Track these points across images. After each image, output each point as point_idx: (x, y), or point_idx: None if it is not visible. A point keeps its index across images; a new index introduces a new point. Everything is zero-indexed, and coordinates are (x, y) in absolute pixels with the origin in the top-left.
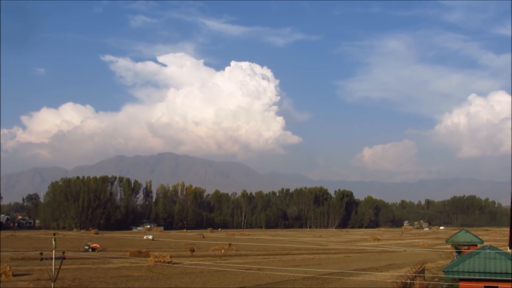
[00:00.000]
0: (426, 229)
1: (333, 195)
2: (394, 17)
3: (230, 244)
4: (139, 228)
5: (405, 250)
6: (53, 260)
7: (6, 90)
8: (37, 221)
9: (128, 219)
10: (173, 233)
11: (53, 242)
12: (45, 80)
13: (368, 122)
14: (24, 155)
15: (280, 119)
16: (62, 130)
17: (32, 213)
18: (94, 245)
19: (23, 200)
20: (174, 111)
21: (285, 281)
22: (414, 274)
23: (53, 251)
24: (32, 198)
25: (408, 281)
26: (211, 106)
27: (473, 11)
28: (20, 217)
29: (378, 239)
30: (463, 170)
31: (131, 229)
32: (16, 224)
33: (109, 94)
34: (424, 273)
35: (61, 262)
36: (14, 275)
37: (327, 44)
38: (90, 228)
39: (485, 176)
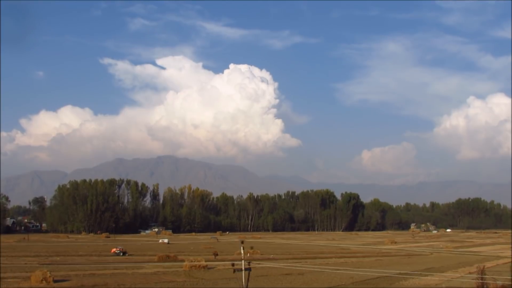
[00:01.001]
0: (435, 231)
1: (338, 197)
2: (393, 19)
3: (252, 248)
4: (147, 231)
5: (431, 253)
6: (243, 271)
7: (5, 93)
8: (43, 225)
9: (136, 222)
10: (183, 236)
11: (241, 250)
12: (44, 83)
13: (367, 124)
14: (23, 158)
15: (279, 122)
16: (61, 133)
17: (38, 216)
18: (117, 248)
19: (29, 203)
20: (173, 114)
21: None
22: (480, 276)
23: (242, 261)
24: (38, 201)
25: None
26: (210, 109)
27: (471, 13)
28: (26, 220)
29: (395, 242)
30: (462, 172)
31: (139, 232)
32: (23, 227)
33: (108, 97)
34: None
35: None
36: (55, 281)
37: (325, 47)
38: (99, 231)
39: (484, 178)
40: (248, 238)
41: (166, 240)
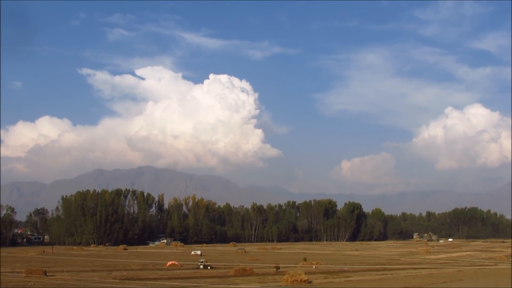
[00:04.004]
0: (441, 241)
1: (338, 208)
2: (371, 31)
3: (305, 259)
4: (156, 242)
5: (496, 264)
6: None
7: None
8: (46, 237)
9: (145, 233)
10: (196, 247)
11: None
12: (21, 93)
13: (346, 135)
14: (0, 169)
15: (259, 132)
16: (39, 144)
17: (40, 228)
18: (173, 262)
19: (31, 215)
20: (153, 124)
21: None
22: None
23: None
24: (40, 212)
25: None
26: (190, 120)
27: (448, 25)
28: (29, 232)
29: (430, 252)
30: (441, 182)
31: (147, 244)
32: (25, 240)
33: (86, 108)
34: None
35: None
36: None
37: (305, 58)
38: (107, 243)
39: (462, 188)
40: (268, 248)
41: (198, 252)
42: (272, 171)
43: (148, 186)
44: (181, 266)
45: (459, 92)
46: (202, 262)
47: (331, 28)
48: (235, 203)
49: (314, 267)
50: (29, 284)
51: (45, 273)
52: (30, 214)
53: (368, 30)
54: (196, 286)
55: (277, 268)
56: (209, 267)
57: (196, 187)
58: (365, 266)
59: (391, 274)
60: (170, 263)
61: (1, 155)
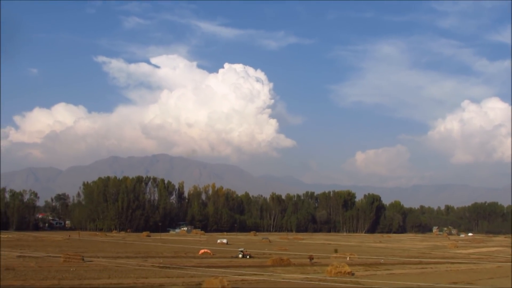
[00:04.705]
0: (462, 235)
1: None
2: (388, 22)
3: (336, 250)
4: (177, 230)
5: None
6: None
7: None
8: (67, 222)
9: (166, 220)
10: (218, 235)
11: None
12: (37, 80)
13: (360, 126)
14: (17, 155)
15: (273, 122)
16: (55, 130)
17: (61, 213)
18: (205, 250)
19: (52, 200)
20: (167, 112)
21: None
22: None
23: None
24: (61, 198)
25: None
26: (204, 108)
27: (467, 17)
28: (50, 218)
29: (457, 246)
30: (456, 176)
31: (168, 231)
32: (46, 224)
33: (102, 95)
34: None
35: None
36: None
37: (320, 48)
38: (128, 229)
39: (478, 183)
40: (290, 238)
41: (225, 241)
42: (285, 161)
43: (163, 174)
44: (213, 254)
45: (476, 86)
46: (241, 251)
47: (348, 18)
48: (249, 192)
49: (348, 259)
50: (71, 269)
51: (82, 258)
52: (52, 199)
53: (385, 21)
54: (240, 274)
55: (311, 258)
56: (248, 257)
57: (210, 175)
58: (400, 259)
59: (431, 268)
60: (202, 251)
61: (18, 141)
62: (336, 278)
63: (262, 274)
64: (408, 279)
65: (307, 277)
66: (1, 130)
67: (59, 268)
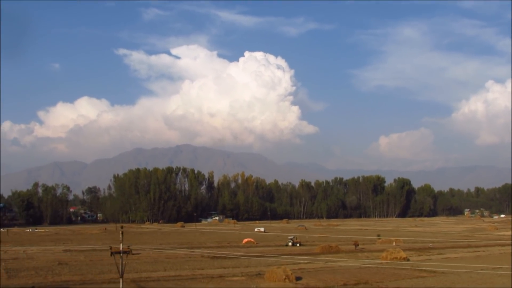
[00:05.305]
0: (495, 217)
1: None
2: (408, 4)
3: (379, 236)
4: (209, 219)
5: None
6: None
7: (21, 85)
8: (99, 215)
9: (197, 211)
10: (251, 224)
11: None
12: (60, 75)
13: (383, 110)
14: (42, 149)
15: (295, 109)
16: (79, 124)
17: (93, 206)
18: (249, 239)
19: (83, 193)
20: (189, 103)
21: None
22: None
23: None
24: (92, 191)
25: None
26: (226, 98)
27: None
28: (82, 211)
29: (497, 228)
30: (482, 157)
31: (199, 221)
32: (79, 218)
33: (123, 88)
34: None
35: None
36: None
37: (340, 33)
38: (160, 220)
39: (504, 163)
40: (324, 225)
41: (262, 229)
42: (309, 148)
43: (187, 164)
44: (257, 243)
45: (500, 65)
46: (291, 239)
47: (367, 2)
48: (272, 180)
49: (394, 244)
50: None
51: (130, 251)
52: (83, 193)
53: (405, 3)
54: (288, 260)
55: (356, 245)
56: (298, 245)
57: (234, 164)
58: (447, 242)
59: (483, 251)
60: (246, 240)
61: (43, 136)
62: (392, 263)
63: (318, 262)
64: (466, 263)
65: (365, 263)
66: (26, 126)
67: (110, 262)
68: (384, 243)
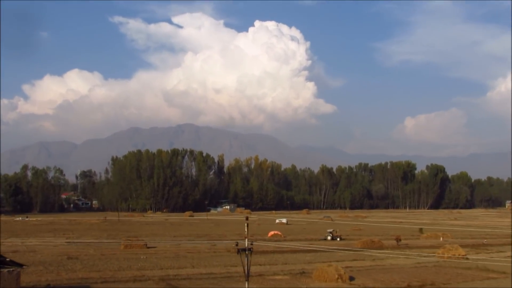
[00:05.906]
0: None
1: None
2: None
3: (421, 229)
4: (218, 209)
5: None
6: None
7: (4, 56)
8: (94, 202)
9: (206, 198)
10: (267, 214)
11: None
12: (48, 44)
13: (410, 88)
14: (27, 127)
15: (311, 85)
16: (68, 100)
17: (88, 192)
18: (275, 232)
19: (76, 177)
20: (192, 77)
21: None
22: None
23: None
24: (87, 175)
25: None
26: (233, 72)
27: None
28: (75, 197)
29: None
30: None
31: (208, 210)
32: (71, 205)
33: (119, 60)
34: None
35: None
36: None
37: (362, 2)
38: (164, 209)
39: None
40: (351, 216)
41: (284, 220)
42: (325, 129)
43: (189, 146)
44: (284, 237)
45: None
46: (330, 232)
47: None
48: (285, 165)
49: (441, 239)
50: (142, 257)
51: (145, 244)
52: (76, 177)
53: None
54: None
55: (398, 240)
56: (338, 239)
57: (242, 146)
58: (501, 239)
59: None
60: (272, 232)
61: (27, 112)
62: (451, 261)
63: (364, 259)
64: None
65: (418, 261)
66: (9, 101)
67: (126, 256)
68: (430, 238)
